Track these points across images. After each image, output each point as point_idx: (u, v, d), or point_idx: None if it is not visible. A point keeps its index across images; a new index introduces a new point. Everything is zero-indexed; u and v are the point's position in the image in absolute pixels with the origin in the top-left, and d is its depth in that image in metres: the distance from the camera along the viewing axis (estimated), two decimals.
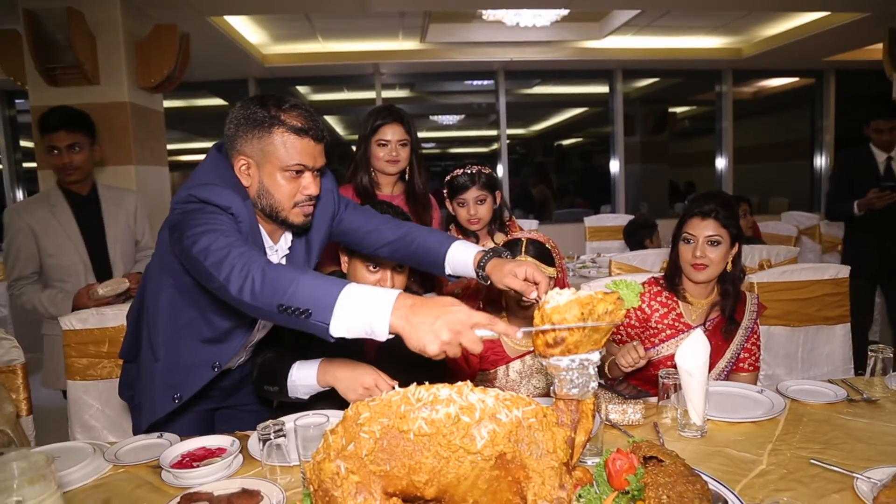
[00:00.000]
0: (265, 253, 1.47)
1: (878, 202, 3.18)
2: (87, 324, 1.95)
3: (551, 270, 1.73)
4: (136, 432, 1.60)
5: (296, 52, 5.81)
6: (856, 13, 4.88)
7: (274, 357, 1.58)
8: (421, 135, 2.32)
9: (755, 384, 1.86)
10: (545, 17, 4.51)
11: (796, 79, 7.54)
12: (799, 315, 2.39)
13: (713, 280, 1.87)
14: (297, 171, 1.37)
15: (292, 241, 1.55)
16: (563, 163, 10.47)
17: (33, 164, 3.76)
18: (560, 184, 9.13)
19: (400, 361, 1.41)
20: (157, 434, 1.49)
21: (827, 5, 4.81)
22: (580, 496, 1.03)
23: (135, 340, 1.61)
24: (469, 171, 2.14)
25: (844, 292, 2.41)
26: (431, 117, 8.86)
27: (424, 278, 2.20)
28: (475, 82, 7.12)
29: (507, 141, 6.70)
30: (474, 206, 2.14)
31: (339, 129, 8.96)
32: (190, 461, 1.31)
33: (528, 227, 3.25)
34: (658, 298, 1.91)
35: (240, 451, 1.34)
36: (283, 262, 1.54)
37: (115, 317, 1.96)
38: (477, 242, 2.10)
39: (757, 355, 1.93)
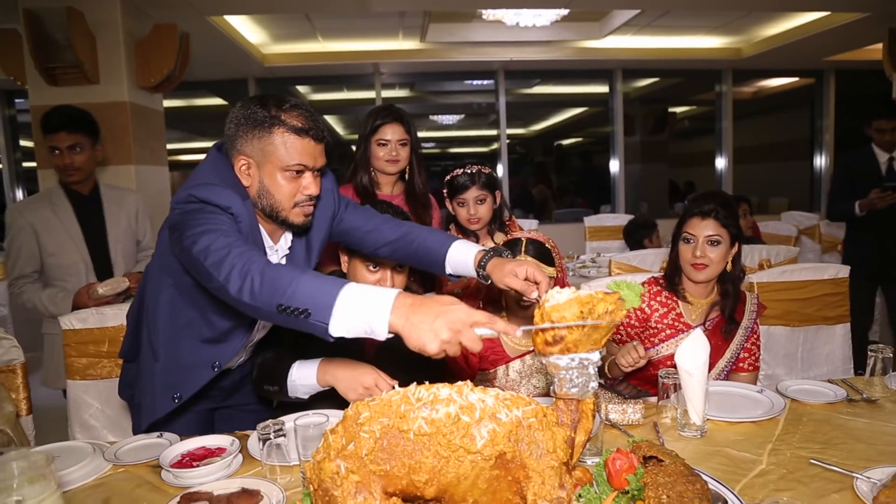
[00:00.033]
0: (265, 253, 1.47)
1: (879, 202, 3.18)
2: (86, 323, 1.95)
3: (551, 270, 1.73)
4: (135, 432, 1.60)
5: (296, 51, 5.81)
6: (856, 13, 4.88)
7: (274, 357, 1.58)
8: (421, 134, 2.32)
9: (755, 384, 1.86)
10: (545, 16, 4.51)
11: (796, 79, 7.54)
12: (799, 315, 2.39)
13: (713, 280, 1.87)
14: (298, 171, 1.37)
15: (292, 241, 1.55)
16: (563, 163, 10.47)
17: (33, 164, 3.76)
18: (560, 184, 9.14)
19: (400, 361, 1.41)
20: (157, 434, 1.49)
21: (827, 5, 4.81)
22: (580, 496, 1.04)
23: (135, 340, 1.61)
24: (469, 171, 2.14)
25: (844, 292, 2.42)
26: (431, 117, 8.87)
27: (424, 278, 2.20)
28: (475, 82, 7.12)
29: (507, 141, 6.70)
30: (474, 206, 2.14)
31: (339, 129, 8.96)
32: (190, 461, 1.31)
33: (527, 227, 3.25)
34: (658, 298, 1.91)
35: (239, 451, 1.34)
36: (283, 262, 1.54)
37: (115, 316, 1.96)
38: (477, 242, 2.09)
39: (757, 355, 1.93)
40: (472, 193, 2.13)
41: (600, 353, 1.04)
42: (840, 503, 1.10)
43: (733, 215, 1.83)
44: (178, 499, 1.14)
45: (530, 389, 1.86)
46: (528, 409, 0.89)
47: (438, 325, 0.99)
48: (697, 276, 1.83)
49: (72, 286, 2.33)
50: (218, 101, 7.09)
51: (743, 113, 7.46)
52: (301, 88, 7.09)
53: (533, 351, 1.84)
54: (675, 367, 1.46)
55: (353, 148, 2.29)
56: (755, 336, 1.92)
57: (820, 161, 7.32)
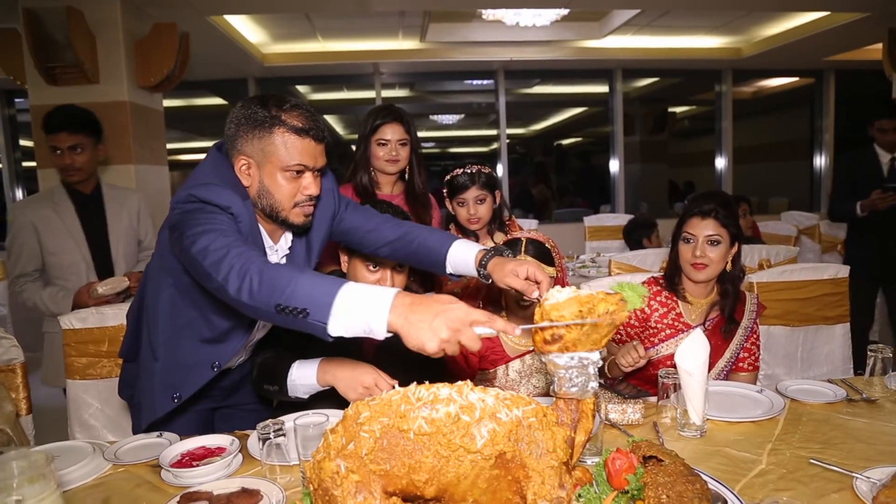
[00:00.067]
0: (265, 253, 1.47)
1: (880, 203, 3.18)
2: (86, 323, 1.95)
3: (551, 270, 1.73)
4: (135, 431, 1.60)
5: (295, 51, 5.80)
6: (856, 13, 4.88)
7: (273, 356, 1.58)
8: (421, 134, 2.32)
9: (755, 384, 1.86)
10: (545, 16, 4.51)
11: (796, 79, 7.54)
12: (798, 315, 2.39)
13: (713, 279, 1.87)
14: (298, 172, 1.37)
15: (292, 241, 1.55)
16: (563, 162, 10.47)
17: (33, 164, 3.76)
18: (559, 184, 9.14)
19: (399, 361, 1.41)
20: (157, 433, 1.49)
21: (827, 5, 4.81)
22: (580, 496, 1.04)
23: (134, 340, 1.61)
24: (469, 171, 2.14)
25: (844, 292, 2.42)
26: (431, 117, 8.87)
27: (424, 277, 2.20)
28: (475, 82, 7.12)
29: (507, 140, 6.70)
30: (474, 206, 2.14)
31: (339, 129, 8.96)
32: (189, 460, 1.31)
33: (527, 227, 3.25)
34: (658, 298, 1.91)
35: (239, 451, 1.34)
36: (283, 262, 1.54)
37: (115, 316, 1.96)
38: (476, 242, 2.09)
39: (756, 355, 1.93)
40: (472, 193, 2.13)
41: (600, 353, 1.04)
42: (840, 503, 1.10)
43: (733, 215, 1.84)
44: (177, 498, 1.14)
45: (530, 389, 1.86)
46: (528, 408, 0.89)
47: (438, 324, 0.99)
48: (697, 276, 1.83)
49: (72, 285, 2.34)
50: (218, 100, 7.08)
51: (743, 113, 7.46)
52: (301, 88, 7.09)
53: (533, 351, 1.84)
54: (674, 366, 1.46)
55: (353, 148, 2.29)
56: (755, 336, 1.92)
57: (820, 161, 7.32)
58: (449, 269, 1.55)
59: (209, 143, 1.71)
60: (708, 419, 1.46)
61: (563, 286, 1.06)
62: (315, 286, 1.06)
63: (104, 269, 2.44)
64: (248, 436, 1.44)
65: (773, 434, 1.40)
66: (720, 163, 7.08)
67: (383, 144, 2.16)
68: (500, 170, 6.64)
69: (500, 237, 2.25)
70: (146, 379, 1.55)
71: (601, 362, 1.04)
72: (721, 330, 1.88)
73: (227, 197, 1.33)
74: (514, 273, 1.38)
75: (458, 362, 1.81)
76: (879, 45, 5.04)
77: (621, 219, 4.97)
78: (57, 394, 2.39)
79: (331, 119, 8.51)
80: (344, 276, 1.70)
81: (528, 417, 0.89)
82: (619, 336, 1.94)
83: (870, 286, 3.39)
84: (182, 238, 1.25)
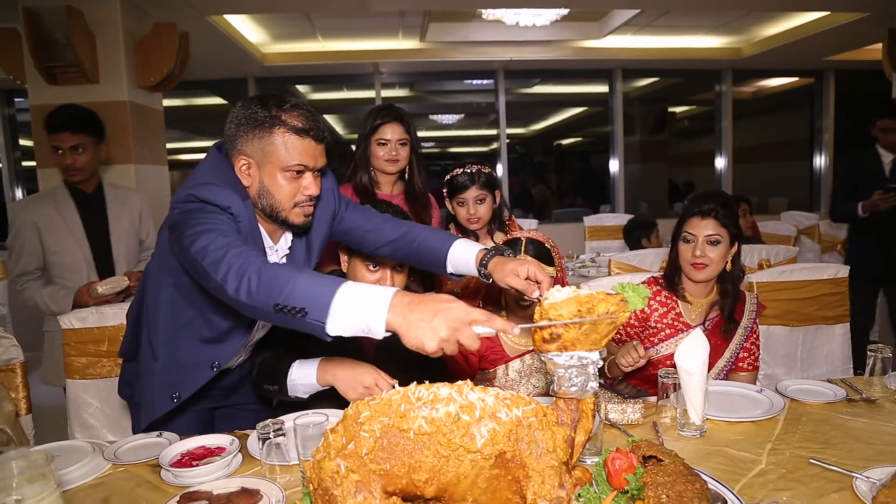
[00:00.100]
0: (265, 253, 1.47)
1: (882, 204, 3.17)
2: (86, 322, 1.95)
3: (551, 270, 1.73)
4: (135, 431, 1.60)
5: (295, 51, 5.80)
6: (855, 13, 4.88)
7: (273, 356, 1.58)
8: (420, 134, 2.32)
9: (754, 384, 1.86)
10: (545, 16, 4.51)
11: (796, 79, 7.54)
12: (798, 315, 2.39)
13: (713, 279, 1.87)
14: (298, 172, 1.37)
15: (292, 241, 1.55)
16: (563, 162, 10.48)
17: (33, 163, 3.76)
18: (558, 184, 9.15)
19: (399, 360, 1.41)
20: (157, 433, 1.49)
21: (827, 5, 4.81)
22: (579, 495, 1.04)
23: (134, 339, 1.61)
24: (469, 171, 2.14)
25: (843, 292, 2.42)
26: (431, 116, 8.87)
27: (424, 277, 2.20)
28: (475, 82, 7.12)
29: (507, 140, 6.70)
30: (474, 206, 2.14)
31: (339, 129, 8.96)
32: (189, 460, 1.31)
33: (527, 227, 3.25)
34: (657, 298, 1.91)
35: (239, 450, 1.34)
36: (283, 262, 1.54)
37: (115, 316, 1.96)
38: (476, 242, 2.10)
39: (756, 355, 1.93)
40: (472, 193, 2.13)
41: (600, 353, 1.04)
42: (839, 503, 1.10)
43: (733, 215, 1.84)
44: (177, 498, 1.14)
45: (530, 389, 1.86)
46: (528, 408, 0.89)
47: (437, 323, 0.98)
48: (697, 276, 1.83)
49: (73, 284, 2.34)
50: (218, 100, 7.08)
51: (743, 113, 7.46)
52: (301, 88, 7.09)
53: (533, 350, 1.84)
54: (674, 366, 1.46)
55: (353, 147, 2.29)
56: (754, 336, 1.92)
57: (819, 161, 7.32)
58: (450, 269, 1.55)
59: (209, 143, 1.71)
60: (708, 419, 1.46)
61: (562, 286, 1.06)
62: (313, 285, 1.06)
63: (105, 268, 2.44)
64: (247, 435, 1.44)
65: (773, 434, 1.40)
66: (720, 163, 7.08)
67: (383, 144, 2.16)
68: (500, 170, 6.64)
69: (499, 237, 2.25)
70: (146, 379, 1.55)
71: (601, 362, 1.04)
72: (721, 330, 1.88)
73: (227, 197, 1.32)
74: (515, 273, 1.38)
75: (458, 362, 1.81)
76: (879, 45, 5.04)
77: (621, 219, 4.98)
78: (56, 393, 2.39)
79: (331, 119, 8.51)
80: (344, 276, 1.70)
81: (528, 417, 0.89)
82: (618, 336, 1.94)
83: (871, 286, 3.39)
84: (181, 238, 1.25)
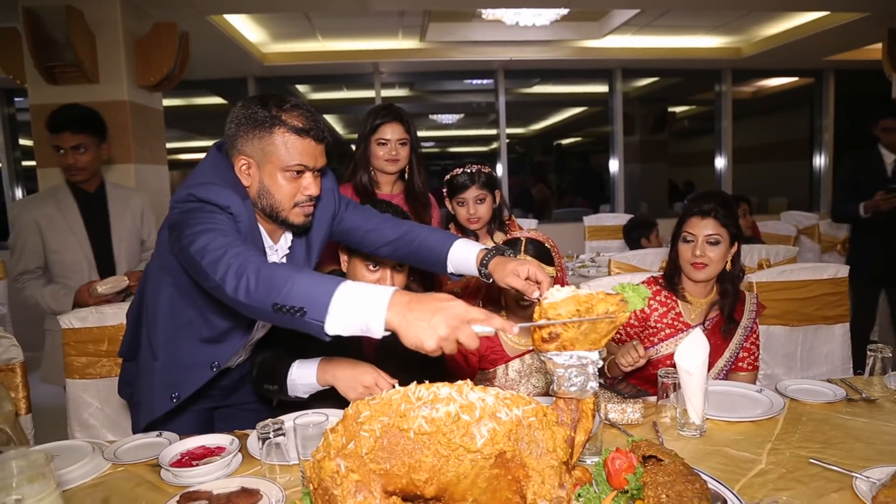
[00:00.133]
0: (265, 253, 1.46)
1: (883, 204, 3.17)
2: (86, 322, 1.95)
3: (551, 270, 1.73)
4: (135, 431, 1.60)
5: (295, 50, 5.80)
6: (855, 13, 4.88)
7: (273, 356, 1.58)
8: (420, 134, 2.32)
9: (754, 383, 1.86)
10: (545, 16, 4.51)
11: (796, 78, 7.54)
12: (798, 314, 2.39)
13: (712, 279, 1.87)
14: (298, 172, 1.37)
15: (292, 241, 1.55)
16: (563, 162, 10.48)
17: (32, 163, 3.76)
18: (558, 184, 9.15)
19: (399, 360, 1.41)
20: (157, 433, 1.49)
21: (827, 5, 4.81)
22: (579, 495, 1.04)
23: (134, 339, 1.61)
24: (468, 171, 2.14)
25: (843, 292, 2.42)
26: (431, 116, 8.87)
27: (424, 277, 2.20)
28: (475, 81, 7.12)
29: (507, 140, 6.70)
30: (474, 206, 2.14)
31: (339, 129, 8.96)
32: (189, 460, 1.31)
33: (527, 227, 3.25)
34: (657, 298, 1.91)
35: (239, 450, 1.34)
36: (283, 262, 1.54)
37: (115, 315, 1.96)
38: (476, 241, 2.10)
39: (756, 354, 1.93)
40: (472, 193, 2.13)
41: (600, 353, 1.04)
42: (839, 503, 1.10)
43: (733, 215, 1.84)
44: (177, 498, 1.14)
45: (530, 389, 1.86)
46: (528, 408, 0.89)
47: (436, 322, 0.98)
48: (697, 276, 1.83)
49: (74, 283, 2.35)
50: (217, 100, 7.08)
51: (742, 113, 7.46)
52: (301, 88, 7.09)
53: (532, 350, 1.84)
54: (674, 366, 1.47)
55: (353, 147, 2.29)
56: (754, 335, 1.92)
57: (819, 161, 7.32)
58: (450, 269, 1.55)
59: (209, 143, 1.71)
60: (707, 419, 1.46)
61: (562, 286, 1.06)
62: (312, 285, 1.06)
63: (106, 268, 2.45)
64: (247, 435, 1.44)
65: (773, 434, 1.40)
66: (720, 163, 7.08)
67: (383, 144, 2.16)
68: (500, 169, 6.64)
69: (499, 237, 2.24)
70: (145, 378, 1.55)
71: (601, 362, 1.04)
72: (721, 329, 1.88)
73: (227, 196, 1.32)
74: (515, 273, 1.38)
75: (458, 362, 1.82)
76: (879, 45, 5.04)
77: (621, 218, 4.98)
78: (56, 393, 2.39)
79: (330, 119, 8.51)
80: (344, 276, 1.69)
81: (528, 417, 0.89)
82: (618, 336, 1.94)
83: (872, 287, 3.38)
84: (181, 237, 1.25)
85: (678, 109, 9.32)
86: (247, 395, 1.75)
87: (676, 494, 0.96)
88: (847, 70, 6.86)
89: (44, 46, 3.26)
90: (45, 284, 2.36)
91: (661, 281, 1.95)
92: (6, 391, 1.62)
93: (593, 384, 1.03)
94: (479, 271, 1.47)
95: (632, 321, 1.91)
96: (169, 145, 4.23)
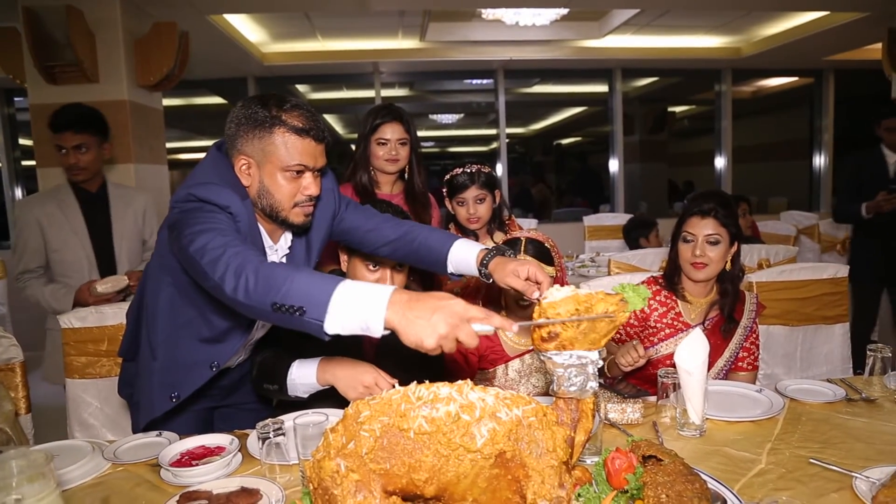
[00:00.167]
0: (265, 253, 1.46)
1: (885, 205, 3.16)
2: (86, 322, 1.95)
3: (550, 269, 1.73)
4: (135, 430, 1.60)
5: (295, 50, 5.80)
6: (855, 13, 4.88)
7: (273, 356, 1.58)
8: (420, 134, 2.32)
9: (754, 383, 1.86)
10: (544, 16, 4.51)
11: (795, 78, 7.54)
12: (798, 314, 2.39)
13: (712, 279, 1.87)
14: (298, 172, 1.37)
15: (292, 241, 1.55)
16: (562, 162, 10.48)
17: (32, 163, 3.76)
18: (558, 183, 9.15)
19: (399, 360, 1.41)
20: (156, 432, 1.49)
21: (827, 5, 4.81)
22: (579, 495, 1.04)
23: (134, 339, 1.61)
24: (468, 170, 2.14)
25: (843, 292, 2.42)
26: (431, 116, 8.87)
27: (424, 277, 2.20)
28: (474, 81, 7.12)
29: (507, 140, 6.70)
30: (473, 205, 2.14)
31: (339, 128, 8.96)
32: (189, 460, 1.31)
33: (527, 227, 3.25)
34: (657, 297, 1.91)
35: (239, 450, 1.34)
36: (283, 261, 1.54)
37: (115, 315, 1.96)
38: (476, 241, 2.10)
39: (756, 354, 1.93)
40: (472, 193, 2.13)
41: (599, 352, 1.04)
42: (839, 502, 1.10)
43: (732, 214, 1.84)
44: (177, 497, 1.14)
45: (530, 389, 1.86)
46: (528, 408, 0.89)
47: (435, 320, 0.98)
48: (697, 276, 1.83)
49: (75, 283, 2.35)
50: (217, 99, 7.08)
51: (742, 112, 7.47)
52: (300, 87, 7.09)
53: (532, 350, 1.84)
54: (674, 366, 1.47)
55: (353, 147, 2.28)
56: (754, 335, 1.92)
57: (819, 161, 7.32)
58: (450, 269, 1.55)
59: (209, 143, 1.71)
60: (707, 419, 1.46)
61: (562, 286, 1.06)
62: (311, 284, 1.06)
63: (107, 267, 2.45)
64: (247, 435, 1.44)
65: (773, 433, 1.40)
66: (720, 162, 7.08)
67: (383, 144, 2.16)
68: (500, 169, 6.64)
69: (499, 237, 2.24)
70: (145, 378, 1.55)
71: (601, 362, 1.04)
72: (720, 329, 1.88)
73: (227, 196, 1.32)
74: (515, 273, 1.38)
75: (458, 361, 1.82)
76: (879, 45, 5.04)
77: (621, 218, 4.98)
78: (56, 392, 2.39)
79: (330, 118, 8.51)
80: (344, 276, 1.69)
81: (528, 417, 0.89)
82: (618, 336, 1.94)
83: (873, 287, 3.38)
84: (180, 237, 1.25)
85: (678, 109, 9.33)
86: (246, 394, 1.75)
87: (676, 494, 0.96)
88: (847, 70, 6.86)
89: (44, 46, 3.26)
90: (45, 283, 2.36)
91: (660, 281, 1.95)
92: (6, 391, 1.62)
93: (593, 384, 1.03)
94: (480, 271, 1.48)
95: (631, 321, 1.91)
96: (169, 145, 4.23)
